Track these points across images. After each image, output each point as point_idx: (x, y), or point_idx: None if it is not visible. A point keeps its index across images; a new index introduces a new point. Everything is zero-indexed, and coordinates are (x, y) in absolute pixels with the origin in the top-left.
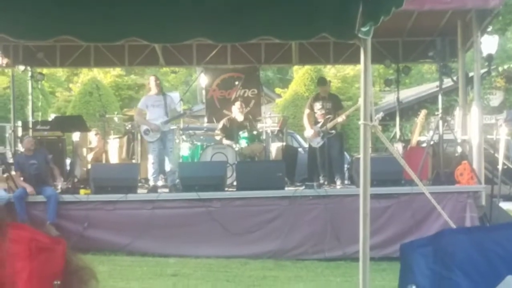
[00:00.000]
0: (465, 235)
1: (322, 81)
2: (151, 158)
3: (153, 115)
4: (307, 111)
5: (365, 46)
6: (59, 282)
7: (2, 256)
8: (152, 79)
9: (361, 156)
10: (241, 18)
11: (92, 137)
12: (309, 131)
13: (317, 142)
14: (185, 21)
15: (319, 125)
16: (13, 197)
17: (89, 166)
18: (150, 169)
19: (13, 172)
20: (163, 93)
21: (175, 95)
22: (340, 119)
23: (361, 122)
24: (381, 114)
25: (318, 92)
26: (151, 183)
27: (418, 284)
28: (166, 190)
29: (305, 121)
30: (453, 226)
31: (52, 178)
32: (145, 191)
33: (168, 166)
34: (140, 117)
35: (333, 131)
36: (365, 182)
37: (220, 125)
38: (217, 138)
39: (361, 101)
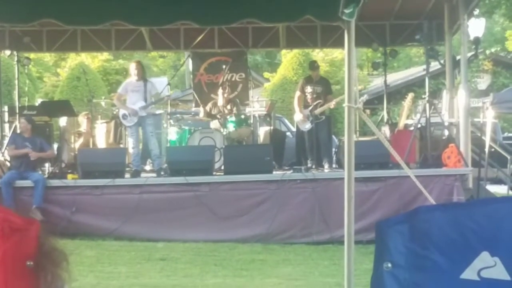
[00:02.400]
0: (441, 212)
1: (313, 65)
2: (130, 142)
3: (132, 99)
4: (298, 93)
5: (348, 28)
6: (32, 263)
7: None
8: (132, 65)
9: (345, 138)
10: (225, 1)
11: (82, 120)
12: (298, 115)
13: (306, 127)
14: (168, 4)
15: (309, 109)
16: (1, 182)
17: (77, 151)
18: (131, 154)
19: (0, 158)
20: (145, 78)
21: (163, 80)
22: (331, 105)
23: (345, 104)
24: (365, 97)
25: (310, 75)
26: (133, 168)
27: (394, 261)
28: (153, 174)
29: (296, 103)
30: None
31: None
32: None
33: (152, 151)
34: (119, 101)
35: (322, 116)
36: (349, 164)
37: (206, 108)
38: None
39: (345, 83)
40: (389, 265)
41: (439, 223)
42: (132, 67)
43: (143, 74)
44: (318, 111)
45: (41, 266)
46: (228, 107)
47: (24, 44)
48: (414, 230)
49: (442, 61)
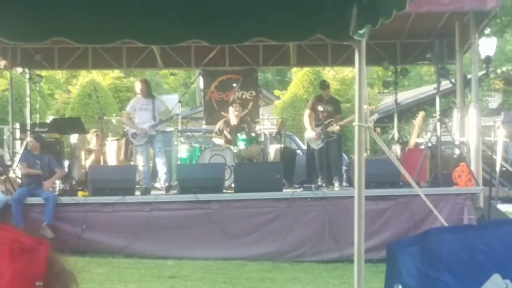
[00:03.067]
0: (452, 234)
1: (324, 84)
2: (140, 160)
3: (141, 118)
4: (307, 111)
5: (359, 47)
6: (41, 283)
7: None
8: (137, 84)
9: (355, 156)
10: (235, 20)
11: (91, 137)
12: (310, 132)
13: (317, 144)
14: (179, 22)
15: (321, 127)
16: (11, 199)
17: (88, 168)
18: (141, 172)
19: (11, 175)
20: (152, 96)
21: (173, 97)
22: (345, 123)
23: (355, 123)
24: (375, 116)
25: (320, 94)
26: (143, 185)
27: (405, 284)
28: (163, 192)
29: (306, 121)
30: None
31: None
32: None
33: (159, 167)
34: (128, 120)
35: (334, 135)
36: (359, 182)
37: (217, 127)
38: (215, 140)
39: (356, 102)
40: (400, 287)
41: (450, 245)
42: (138, 86)
43: (150, 91)
44: (330, 129)
45: (50, 287)
46: (240, 125)
47: (35, 61)
48: (425, 252)
49: (453, 80)
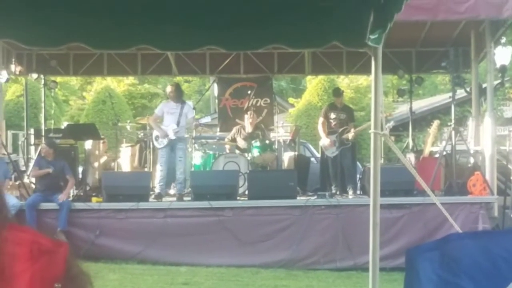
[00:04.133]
0: (472, 240)
1: (337, 92)
2: (159, 166)
3: (166, 122)
4: (321, 119)
5: (375, 55)
6: (59, 285)
7: (2, 257)
8: (168, 88)
9: (371, 164)
10: (252, 27)
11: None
12: (325, 140)
13: (332, 152)
14: (196, 29)
15: (335, 135)
16: (25, 205)
17: (102, 174)
18: (158, 176)
19: (25, 180)
20: (183, 101)
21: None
22: (357, 131)
23: (371, 131)
24: (391, 123)
25: (333, 102)
26: (157, 190)
27: None
28: (175, 198)
29: (320, 129)
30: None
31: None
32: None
33: (177, 175)
34: (154, 123)
35: (349, 142)
36: (375, 190)
37: (231, 134)
38: (227, 146)
39: (372, 109)
40: None
41: (470, 251)
42: (168, 89)
43: (180, 96)
44: (345, 136)
45: None
46: (254, 132)
47: (50, 67)
48: (444, 257)
49: (468, 89)
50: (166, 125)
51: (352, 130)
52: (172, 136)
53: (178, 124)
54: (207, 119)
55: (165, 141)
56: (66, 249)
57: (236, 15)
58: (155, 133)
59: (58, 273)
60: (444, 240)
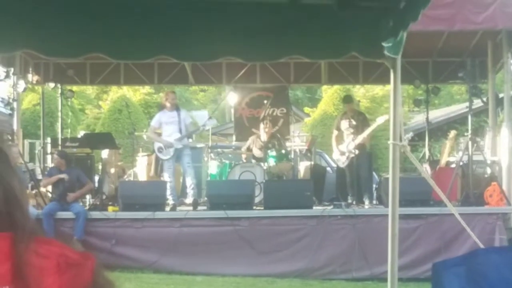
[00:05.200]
0: (498, 255)
1: (347, 99)
2: (166, 176)
3: (167, 132)
4: (335, 132)
5: (394, 66)
6: None
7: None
8: (167, 95)
9: (390, 175)
10: (271, 38)
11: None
12: (335, 152)
13: (342, 162)
14: (215, 40)
15: (343, 144)
16: (42, 214)
17: (118, 183)
18: (168, 188)
19: (42, 189)
20: (178, 108)
21: (203, 113)
22: (360, 139)
23: (390, 142)
24: (410, 134)
25: (345, 111)
26: (170, 201)
27: None
28: (190, 208)
29: (333, 143)
30: (482, 247)
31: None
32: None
33: (187, 183)
34: (153, 134)
35: (355, 151)
36: (393, 201)
37: (247, 143)
38: (244, 156)
39: (390, 120)
40: None
41: (496, 266)
42: (169, 97)
43: (177, 103)
44: (355, 142)
45: None
46: (270, 141)
47: (67, 76)
48: (471, 272)
49: (485, 99)
50: (168, 135)
51: (361, 135)
52: (178, 145)
53: (180, 132)
54: (212, 122)
55: (171, 152)
56: (93, 261)
57: (255, 27)
58: (157, 144)
59: (85, 285)
60: (470, 255)
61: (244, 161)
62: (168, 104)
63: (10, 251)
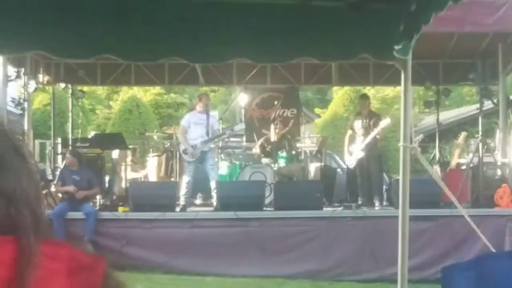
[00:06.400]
0: (509, 260)
1: (362, 97)
2: (186, 178)
3: (194, 133)
4: (348, 132)
5: (405, 68)
6: None
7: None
8: (200, 97)
9: (400, 177)
10: (282, 39)
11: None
12: (346, 153)
13: (351, 163)
14: (226, 41)
15: (353, 145)
16: (52, 214)
17: (128, 184)
18: (184, 188)
19: (52, 189)
20: (208, 112)
21: (214, 114)
22: (367, 141)
23: (400, 144)
24: (420, 136)
25: (359, 111)
26: (182, 202)
27: None
28: (203, 209)
29: (345, 142)
30: (493, 249)
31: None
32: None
33: (212, 184)
34: (182, 135)
35: (363, 152)
36: (404, 203)
37: (258, 144)
38: (255, 156)
39: (401, 122)
40: None
41: (506, 270)
42: (202, 100)
43: (208, 107)
44: (361, 144)
45: None
46: (281, 142)
47: (78, 77)
48: (481, 276)
49: (495, 101)
50: (194, 138)
51: (368, 136)
52: (204, 147)
53: (207, 134)
54: (241, 126)
55: (197, 154)
56: (104, 264)
57: (266, 28)
58: (183, 146)
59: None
60: (481, 259)
61: (255, 157)
62: (200, 106)
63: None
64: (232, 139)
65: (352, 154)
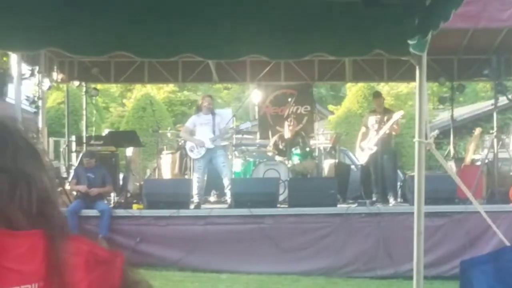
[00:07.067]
0: None
1: (375, 94)
2: (195, 175)
3: (201, 134)
4: (362, 129)
5: (420, 63)
6: None
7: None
8: (203, 99)
9: (415, 173)
10: (296, 36)
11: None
12: (357, 149)
13: (362, 159)
14: (240, 38)
15: (365, 141)
16: (67, 212)
17: (143, 182)
18: (195, 185)
19: (67, 186)
20: (213, 112)
21: (227, 112)
22: (379, 135)
23: (416, 139)
24: (436, 132)
25: (374, 108)
26: (196, 199)
27: None
28: (217, 206)
29: (358, 140)
30: (508, 244)
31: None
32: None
33: (225, 182)
34: (186, 134)
35: (373, 147)
36: (419, 199)
37: (272, 141)
38: (270, 154)
39: (416, 118)
40: None
41: None
42: (205, 102)
43: (212, 107)
44: (373, 140)
45: None
46: (295, 139)
47: (92, 75)
48: (498, 270)
49: (510, 96)
50: (201, 138)
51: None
52: (209, 145)
53: (214, 133)
54: (246, 125)
55: (202, 151)
56: (122, 259)
57: (280, 25)
58: (190, 144)
59: (114, 282)
60: (499, 253)
61: (270, 154)
62: (203, 107)
63: (43, 248)
64: (245, 136)
65: (364, 150)
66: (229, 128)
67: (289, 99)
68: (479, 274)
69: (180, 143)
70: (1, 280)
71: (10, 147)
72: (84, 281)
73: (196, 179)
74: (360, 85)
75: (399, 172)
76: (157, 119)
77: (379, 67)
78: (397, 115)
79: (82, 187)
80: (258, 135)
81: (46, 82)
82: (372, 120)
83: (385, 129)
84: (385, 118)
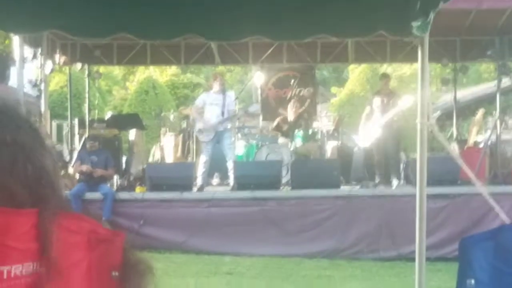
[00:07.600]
0: None
1: (382, 76)
2: (203, 157)
3: (210, 113)
4: (367, 109)
5: (422, 44)
6: (117, 273)
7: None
8: (215, 77)
9: (418, 155)
10: (299, 17)
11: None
12: (360, 130)
13: (366, 141)
14: (243, 19)
15: (368, 123)
16: (70, 195)
17: (146, 165)
18: (201, 168)
19: (69, 170)
20: (224, 92)
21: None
22: (384, 121)
23: (418, 121)
24: (438, 113)
25: (379, 89)
26: (199, 182)
27: (477, 278)
28: (221, 188)
29: (362, 120)
30: None
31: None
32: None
33: (229, 164)
34: (196, 114)
35: (378, 129)
36: (421, 181)
37: (275, 123)
38: (272, 135)
39: (418, 99)
40: (473, 282)
41: None
42: (216, 80)
43: (224, 87)
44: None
45: (126, 277)
46: (298, 121)
47: (94, 57)
48: (499, 247)
49: None
50: (209, 118)
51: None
52: (219, 127)
53: (223, 115)
54: (255, 107)
55: (211, 135)
56: (122, 238)
57: (282, 6)
58: (199, 125)
59: (115, 261)
60: (499, 230)
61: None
62: (216, 86)
63: (37, 227)
64: (248, 118)
65: (368, 132)
66: (237, 112)
67: (292, 81)
68: (479, 251)
69: (183, 126)
70: (5, 258)
71: (11, 126)
72: (85, 260)
73: (202, 161)
74: (363, 67)
75: (402, 154)
76: (160, 102)
77: (382, 49)
78: (404, 104)
79: (86, 167)
80: (260, 117)
81: (49, 65)
82: (377, 101)
83: (391, 115)
84: (391, 101)
